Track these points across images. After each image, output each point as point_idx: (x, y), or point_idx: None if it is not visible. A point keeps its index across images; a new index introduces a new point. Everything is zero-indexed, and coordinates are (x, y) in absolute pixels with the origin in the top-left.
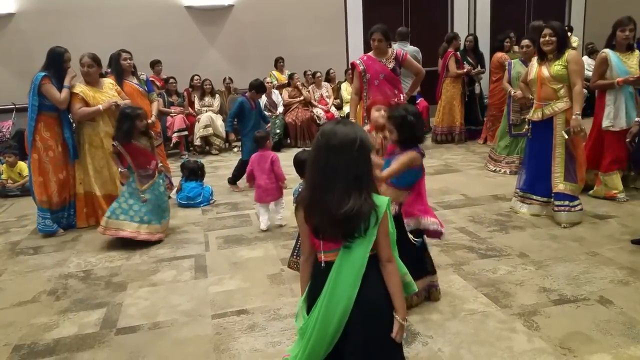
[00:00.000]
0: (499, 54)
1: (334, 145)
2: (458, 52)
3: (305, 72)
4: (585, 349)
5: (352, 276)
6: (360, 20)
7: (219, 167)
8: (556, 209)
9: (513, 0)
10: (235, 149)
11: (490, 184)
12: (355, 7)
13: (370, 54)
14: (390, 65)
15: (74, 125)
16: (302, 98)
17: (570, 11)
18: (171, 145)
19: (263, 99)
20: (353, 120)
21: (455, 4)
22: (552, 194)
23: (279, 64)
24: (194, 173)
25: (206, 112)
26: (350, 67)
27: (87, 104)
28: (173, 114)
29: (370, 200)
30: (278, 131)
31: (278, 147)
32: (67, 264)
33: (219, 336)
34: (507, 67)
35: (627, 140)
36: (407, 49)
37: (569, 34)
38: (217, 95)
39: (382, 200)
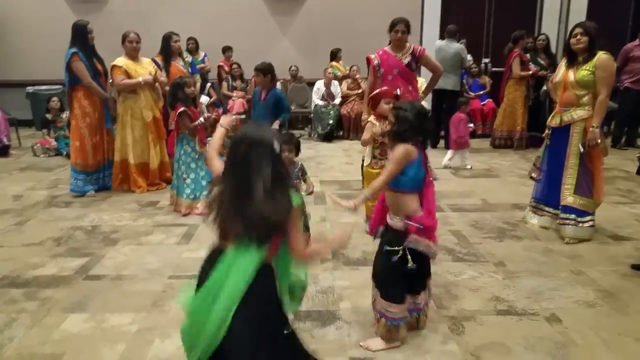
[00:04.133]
0: None
1: (241, 148)
2: (528, 53)
3: None
4: None
5: (239, 283)
6: (437, 17)
7: None
8: (561, 222)
9: (614, 1)
10: None
11: (520, 193)
12: (434, 4)
13: (386, 48)
14: (406, 61)
15: (116, 96)
16: (360, 91)
17: None
18: None
19: (321, 89)
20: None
21: (545, 1)
22: (560, 207)
23: (337, 55)
24: None
25: None
26: (366, 61)
27: (129, 77)
28: (234, 98)
29: (282, 204)
30: (331, 122)
31: (330, 137)
32: (84, 218)
33: (163, 294)
34: None
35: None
36: (453, 46)
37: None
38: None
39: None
